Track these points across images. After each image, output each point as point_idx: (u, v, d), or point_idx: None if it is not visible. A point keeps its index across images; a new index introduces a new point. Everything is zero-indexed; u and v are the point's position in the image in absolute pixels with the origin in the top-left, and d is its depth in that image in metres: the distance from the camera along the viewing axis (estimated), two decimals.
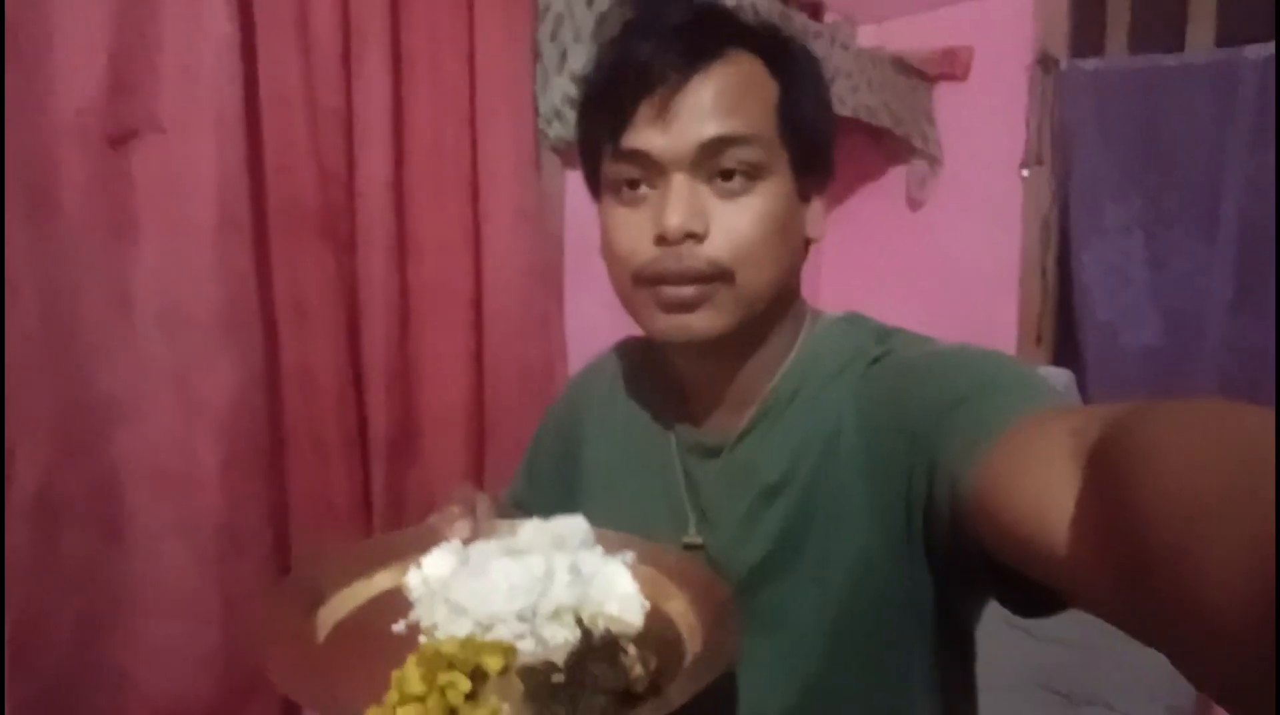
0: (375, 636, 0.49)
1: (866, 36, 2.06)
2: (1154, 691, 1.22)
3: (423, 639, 0.48)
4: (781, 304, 0.59)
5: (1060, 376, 1.82)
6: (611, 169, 0.56)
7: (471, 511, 0.58)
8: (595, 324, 1.65)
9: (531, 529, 0.56)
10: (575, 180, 1.61)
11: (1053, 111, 1.82)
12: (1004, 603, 0.46)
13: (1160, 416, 0.30)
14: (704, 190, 0.54)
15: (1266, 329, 1.57)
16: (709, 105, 0.53)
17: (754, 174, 0.54)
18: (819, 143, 0.59)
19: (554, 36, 1.43)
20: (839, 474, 0.55)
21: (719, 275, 0.54)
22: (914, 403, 0.51)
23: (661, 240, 0.53)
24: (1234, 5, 1.58)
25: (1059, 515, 0.34)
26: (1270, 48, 1.53)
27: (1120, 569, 0.28)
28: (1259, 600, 0.20)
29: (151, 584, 1.00)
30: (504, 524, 0.58)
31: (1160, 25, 1.67)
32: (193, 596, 1.03)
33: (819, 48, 1.61)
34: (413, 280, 1.26)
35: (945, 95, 2.00)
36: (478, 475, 1.37)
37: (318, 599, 0.51)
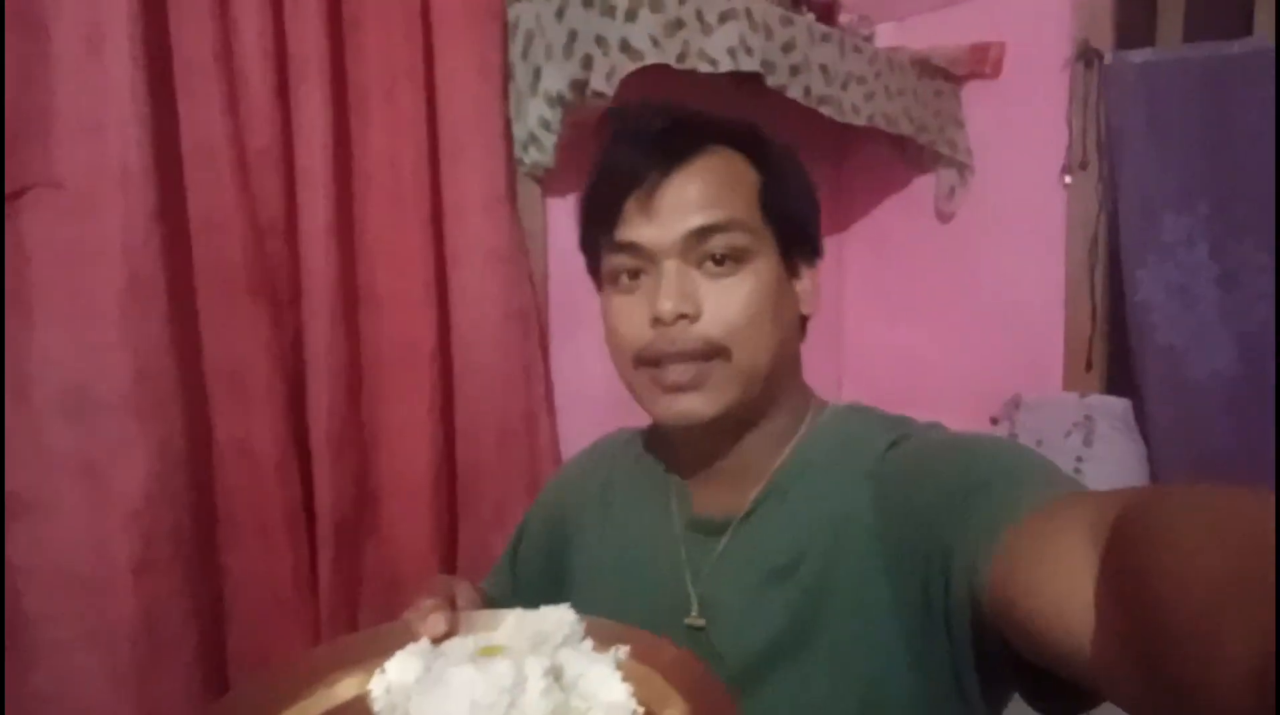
0: None
1: (886, 35, 1.88)
2: None
3: None
4: (780, 381, 0.62)
5: (1116, 406, 1.62)
6: (609, 261, 0.61)
7: (448, 603, 0.53)
8: (587, 368, 1.51)
9: (514, 621, 0.52)
10: (558, 209, 1.46)
11: (1097, 111, 1.61)
12: (1029, 701, 0.46)
13: (1172, 502, 0.31)
14: (695, 274, 0.58)
15: None
16: (692, 197, 0.58)
17: (741, 257, 0.58)
18: (803, 224, 0.63)
19: (525, 55, 1.29)
20: (853, 559, 0.55)
21: (715, 352, 0.57)
22: (930, 490, 0.51)
23: (657, 322, 0.57)
24: None
25: (1078, 605, 0.34)
26: None
27: (1139, 655, 0.28)
28: (1269, 682, 0.21)
29: (56, 701, 0.89)
30: (486, 616, 0.54)
31: (1220, 8, 1.46)
32: (106, 711, 0.91)
33: (827, 53, 1.45)
34: (366, 336, 1.13)
35: (975, 96, 1.81)
36: (450, 546, 1.23)
37: (272, 712, 0.46)
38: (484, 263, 1.24)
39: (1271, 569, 0.23)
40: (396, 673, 0.48)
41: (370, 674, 0.49)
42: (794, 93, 1.38)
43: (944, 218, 1.89)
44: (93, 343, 0.89)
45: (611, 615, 0.57)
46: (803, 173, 0.65)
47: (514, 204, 1.32)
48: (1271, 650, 0.21)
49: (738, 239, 0.58)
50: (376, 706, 0.47)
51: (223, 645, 1.01)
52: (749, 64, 1.28)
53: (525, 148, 1.35)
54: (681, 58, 1.20)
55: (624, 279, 0.60)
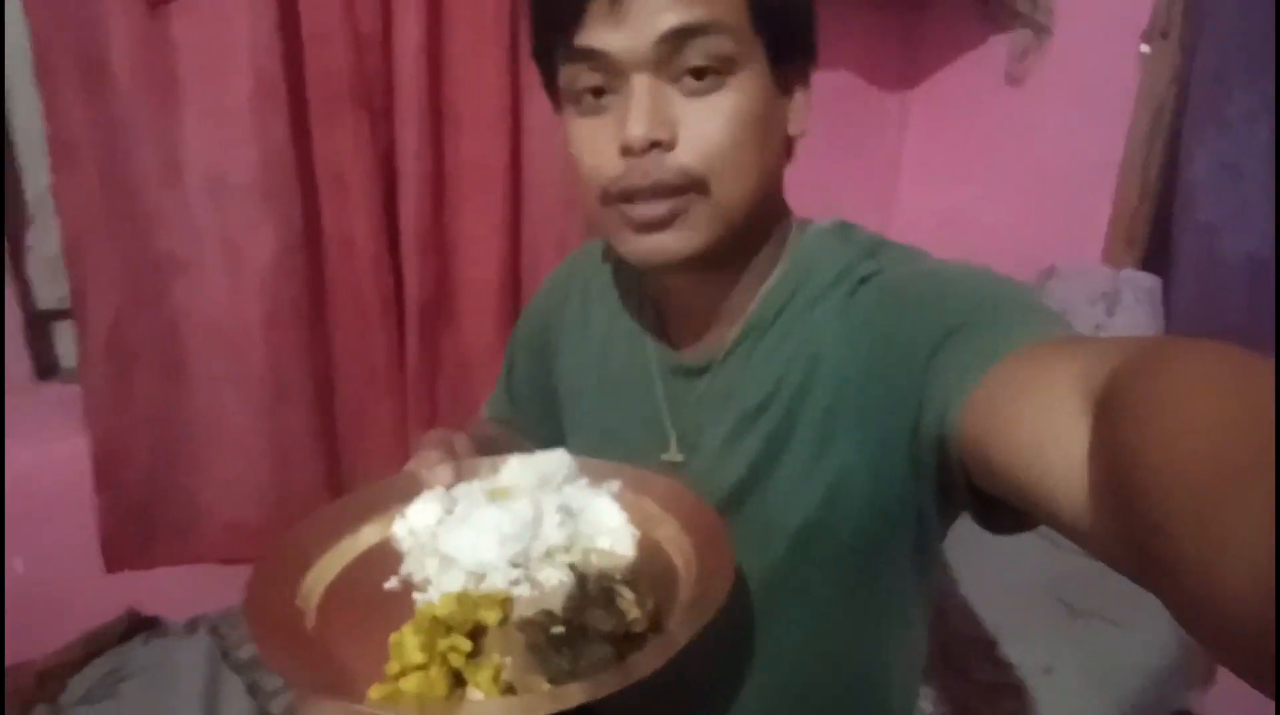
0: (368, 597, 0.48)
1: None
2: (1160, 608, 1.20)
3: (416, 596, 0.47)
4: (763, 214, 0.56)
5: (1145, 281, 1.68)
6: (567, 74, 0.51)
7: (450, 454, 0.56)
8: None
9: (515, 466, 0.55)
10: None
11: None
12: (978, 519, 0.46)
13: (1178, 362, 0.28)
14: (670, 91, 0.49)
15: None
16: None
17: (724, 68, 0.49)
18: (799, 25, 0.53)
19: None
20: (821, 395, 0.53)
21: (692, 186, 0.50)
22: (906, 327, 0.49)
23: (627, 152, 0.49)
24: None
25: (1063, 466, 0.33)
26: None
27: (1131, 528, 0.27)
28: (1270, 570, 0.20)
29: (211, 422, 1.14)
30: (485, 463, 0.57)
31: None
32: (247, 436, 1.16)
33: None
34: (449, 150, 1.28)
35: None
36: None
37: (305, 564, 0.49)
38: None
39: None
40: (417, 517, 0.51)
41: (387, 523, 0.53)
42: None
43: (1014, 80, 1.88)
44: (228, 135, 1.06)
45: (594, 447, 0.62)
46: None
47: None
48: (1273, 538, 0.20)
49: (722, 45, 0.48)
50: (405, 545, 0.51)
51: (331, 400, 1.24)
52: None
53: None
54: None
55: (587, 98, 0.51)
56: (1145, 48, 1.66)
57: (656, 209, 0.50)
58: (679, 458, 0.61)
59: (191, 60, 1.03)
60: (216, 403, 1.13)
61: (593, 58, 0.49)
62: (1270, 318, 1.51)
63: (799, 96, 0.55)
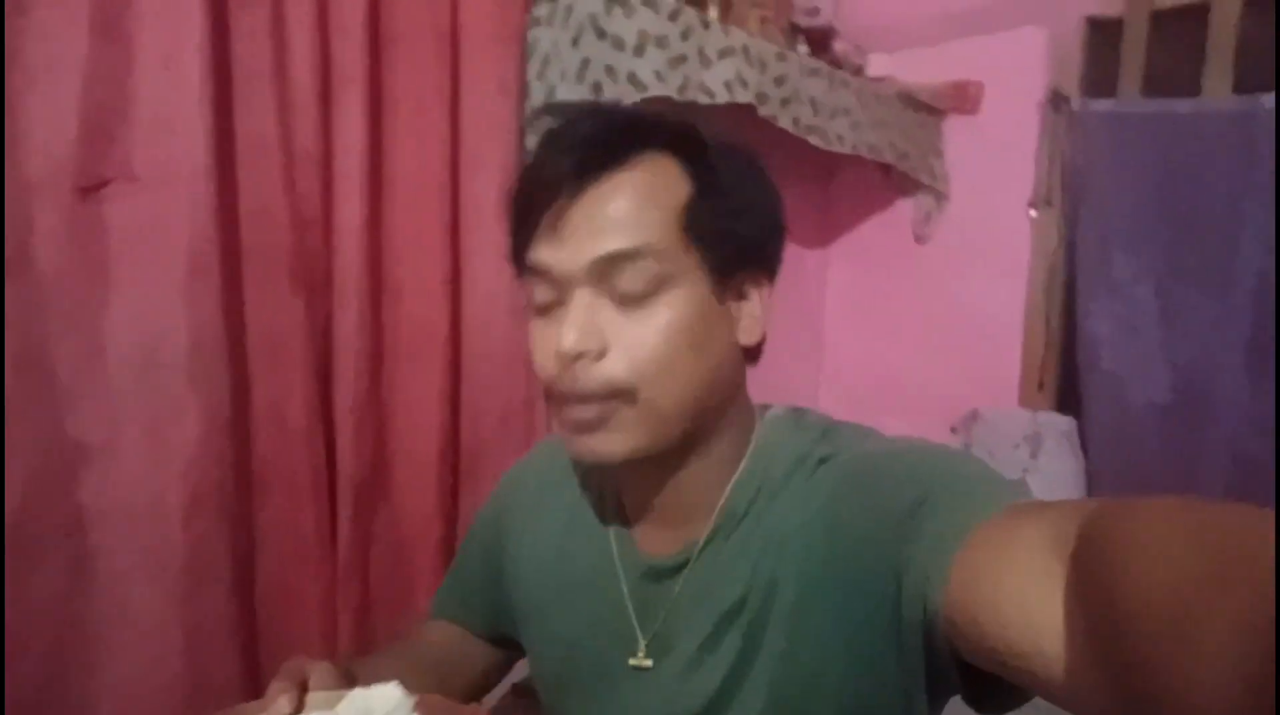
0: None
1: (877, 65, 2.02)
2: None
3: None
4: (714, 414, 0.57)
5: (1062, 423, 1.77)
6: (527, 285, 0.56)
7: (297, 686, 0.56)
8: None
9: (348, 700, 0.55)
10: None
11: (1063, 153, 1.76)
12: (969, 701, 0.46)
13: (1136, 516, 0.30)
14: (605, 304, 0.52)
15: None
16: (603, 219, 0.52)
17: (657, 287, 0.52)
18: (746, 241, 0.56)
19: (541, 76, 1.43)
20: (789, 586, 0.53)
21: (616, 394, 0.52)
22: (870, 507, 0.49)
23: (560, 359, 0.52)
24: (1253, 51, 1.52)
25: (1045, 625, 0.34)
26: None
27: (1113, 673, 0.28)
28: (1254, 683, 0.21)
29: (117, 619, 1.03)
30: (327, 697, 0.57)
31: (1176, 69, 1.60)
32: (156, 631, 1.06)
33: (816, 86, 1.59)
34: (388, 321, 1.27)
35: (954, 129, 1.96)
36: (451, 516, 1.38)
37: None
38: (495, 262, 1.39)
39: (1254, 567, 0.23)
40: None
41: None
42: (784, 123, 1.52)
43: (920, 240, 2.04)
44: (158, 313, 1.03)
45: (558, 657, 0.63)
46: (754, 182, 0.58)
47: None
48: (1261, 645, 0.21)
49: (650, 268, 0.51)
50: None
51: (252, 585, 1.15)
52: (744, 96, 1.42)
53: None
54: (682, 90, 1.34)
55: (541, 302, 0.55)
56: (1034, 212, 1.84)
57: (584, 413, 0.53)
58: (647, 663, 0.59)
59: (123, 242, 1.02)
60: (125, 597, 1.03)
61: (541, 273, 0.54)
62: (1181, 459, 1.61)
63: (753, 302, 0.57)
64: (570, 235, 0.52)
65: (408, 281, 1.29)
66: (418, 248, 1.30)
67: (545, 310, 0.55)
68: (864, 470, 0.53)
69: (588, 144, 0.52)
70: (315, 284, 1.20)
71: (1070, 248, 1.77)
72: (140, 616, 1.05)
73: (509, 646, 0.78)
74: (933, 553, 0.42)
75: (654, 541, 0.61)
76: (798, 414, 0.62)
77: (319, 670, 0.59)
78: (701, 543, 0.58)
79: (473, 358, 1.38)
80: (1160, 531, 0.28)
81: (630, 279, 0.52)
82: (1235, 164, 1.53)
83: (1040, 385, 1.83)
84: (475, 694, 0.77)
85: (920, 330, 2.04)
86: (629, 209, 0.52)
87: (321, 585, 1.21)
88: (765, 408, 0.63)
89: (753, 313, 0.57)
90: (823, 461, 0.55)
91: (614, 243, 0.51)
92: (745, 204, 0.56)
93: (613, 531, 0.63)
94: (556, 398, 0.55)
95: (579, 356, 0.52)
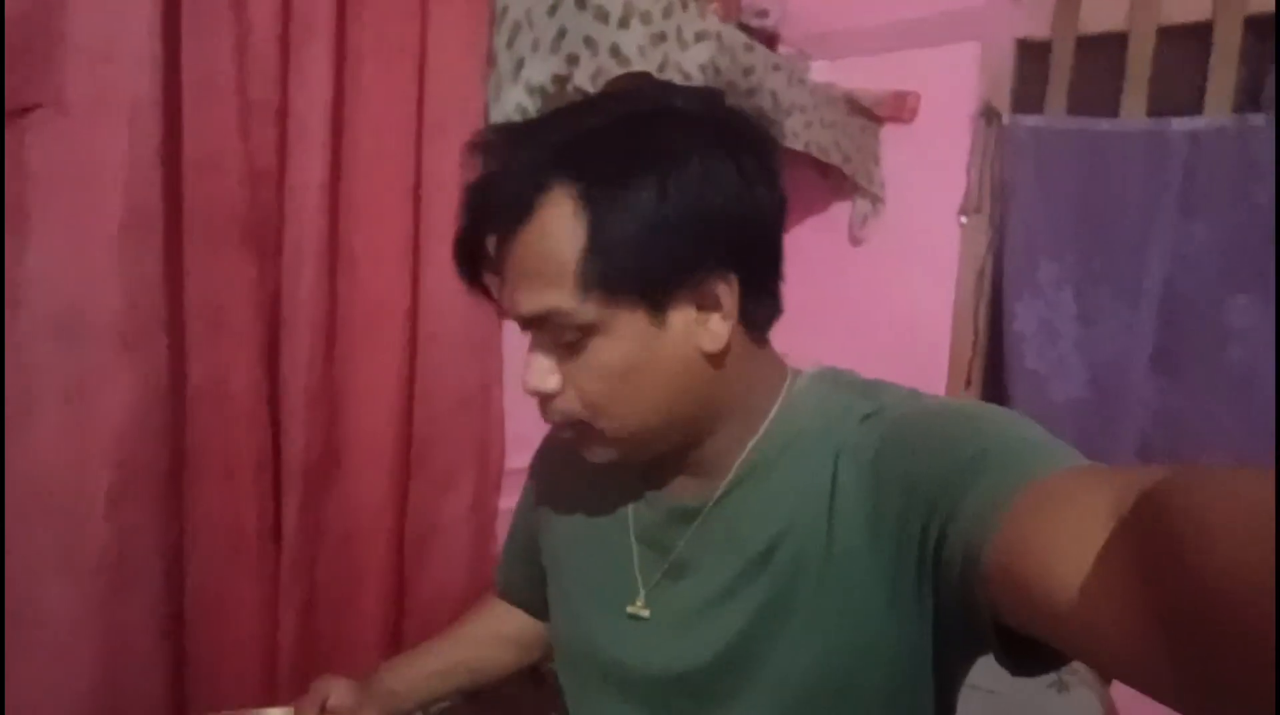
0: None
1: (820, 72, 2.07)
2: None
3: None
4: (703, 412, 0.57)
5: None
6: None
7: (318, 705, 0.63)
8: None
9: None
10: None
11: (993, 163, 1.86)
12: (1001, 660, 0.45)
13: (1206, 485, 0.29)
14: (554, 345, 0.55)
15: (1182, 390, 1.65)
16: (513, 283, 0.54)
17: (585, 333, 0.53)
18: (670, 263, 0.52)
19: (510, 44, 1.36)
20: (835, 534, 0.53)
21: (578, 423, 0.56)
22: (922, 463, 0.49)
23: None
24: (1167, 77, 1.66)
25: (1101, 592, 0.33)
26: (1197, 122, 1.61)
27: (1178, 645, 0.28)
28: None
29: (25, 623, 0.88)
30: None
31: (1098, 89, 1.73)
32: (72, 637, 0.91)
33: (778, 81, 1.60)
34: (343, 293, 1.17)
35: (891, 137, 2.03)
36: (400, 507, 1.28)
37: None
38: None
39: None
40: None
41: None
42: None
43: (855, 242, 2.10)
44: (88, 268, 0.89)
45: (570, 612, 0.65)
46: (681, 188, 0.51)
47: None
48: None
49: (568, 321, 0.52)
50: None
51: (183, 583, 1.02)
52: (716, 81, 1.41)
53: None
54: (661, 68, 1.31)
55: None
56: (964, 219, 1.93)
57: (565, 433, 0.59)
58: (644, 612, 0.60)
59: (50, 181, 0.87)
60: (35, 595, 0.88)
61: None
62: (1095, 451, 1.73)
63: (720, 298, 0.54)
64: (500, 288, 0.56)
65: (365, 251, 1.18)
66: (377, 215, 1.20)
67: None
68: (919, 424, 0.52)
69: (493, 204, 0.54)
70: (266, 246, 1.08)
71: (998, 253, 1.87)
72: (52, 618, 0.90)
73: None
74: (982, 506, 0.42)
75: (671, 488, 0.62)
76: (834, 373, 0.63)
77: (340, 689, 0.65)
78: (720, 491, 0.58)
79: (429, 338, 1.29)
80: (1237, 503, 0.27)
81: (556, 332, 0.54)
82: (1147, 180, 1.67)
83: (967, 382, 1.93)
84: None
85: (852, 329, 2.10)
86: (530, 276, 0.53)
87: (263, 583, 1.09)
88: (797, 372, 0.64)
89: (705, 322, 0.55)
90: (869, 416, 0.55)
91: (526, 307, 0.54)
92: (659, 223, 0.51)
93: (628, 482, 0.64)
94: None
95: (539, 395, 0.56)
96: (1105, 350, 1.74)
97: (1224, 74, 1.59)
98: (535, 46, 1.34)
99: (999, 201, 1.87)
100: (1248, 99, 1.58)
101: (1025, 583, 0.37)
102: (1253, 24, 1.53)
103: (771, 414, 0.59)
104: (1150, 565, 0.30)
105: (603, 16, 1.25)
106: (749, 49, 1.50)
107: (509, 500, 0.99)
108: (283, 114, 1.08)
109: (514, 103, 1.40)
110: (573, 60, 1.30)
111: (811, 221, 2.19)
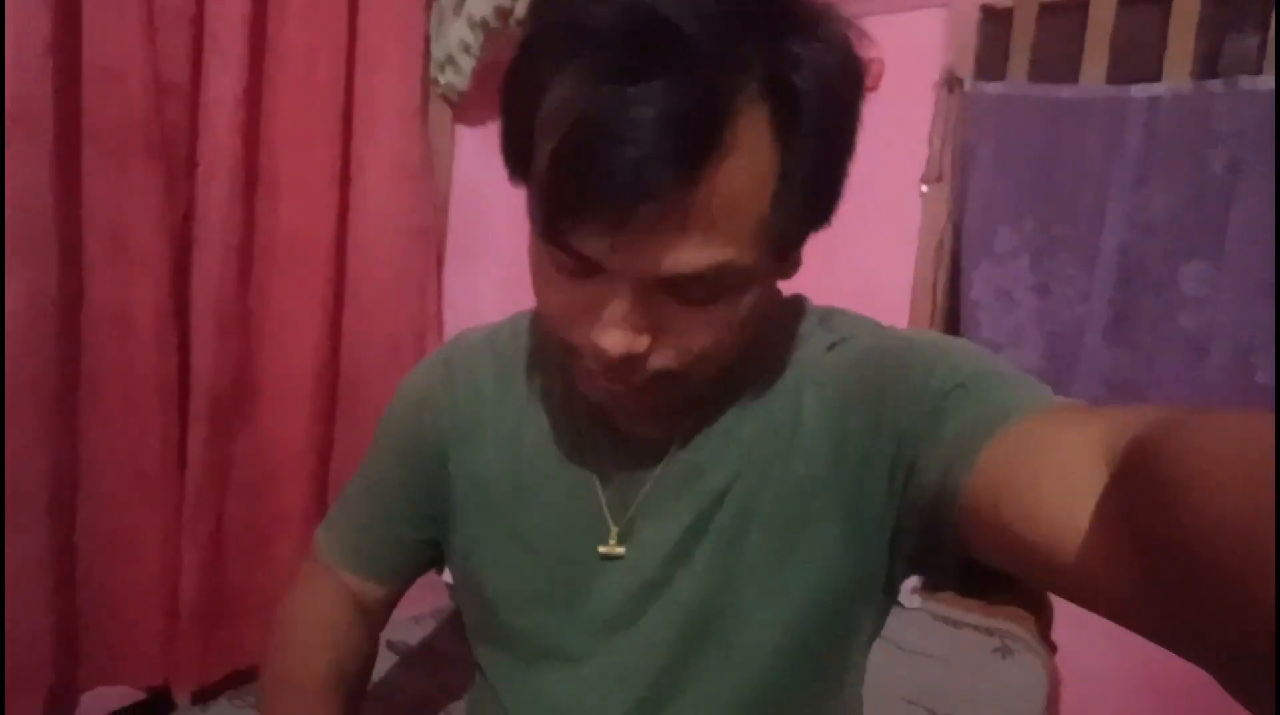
0: None
1: None
2: (1008, 708, 1.21)
3: None
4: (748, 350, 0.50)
5: None
6: (542, 244, 0.42)
7: None
8: (480, 296, 1.54)
9: None
10: (467, 137, 1.48)
11: (955, 131, 1.84)
12: (956, 586, 0.45)
13: (1201, 428, 0.28)
14: (661, 298, 0.42)
15: (1136, 359, 1.63)
16: (679, 231, 0.39)
17: (726, 290, 0.42)
18: (829, 208, 0.47)
19: None
20: (797, 466, 0.50)
21: (665, 377, 0.44)
22: (893, 392, 0.46)
23: (598, 349, 0.42)
24: (1127, 44, 1.64)
25: (1083, 530, 0.32)
26: (1156, 89, 1.59)
27: (1164, 586, 0.28)
28: None
29: None
30: None
31: (1059, 57, 1.71)
32: None
33: None
34: (262, 219, 1.11)
35: None
36: (325, 451, 1.22)
37: None
38: (390, 173, 1.25)
39: None
40: None
41: None
42: None
43: None
44: None
45: (514, 558, 0.55)
46: (850, 113, 0.46)
47: (425, 121, 1.33)
48: None
49: (726, 279, 0.41)
50: None
51: (73, 514, 0.95)
52: None
53: (442, 68, 1.37)
54: None
55: (569, 267, 0.43)
56: (925, 188, 1.91)
57: (625, 400, 0.47)
58: (619, 550, 0.54)
59: None
60: None
61: (577, 255, 0.41)
62: None
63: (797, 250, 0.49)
64: (636, 240, 0.39)
65: (287, 176, 1.13)
66: (302, 140, 1.14)
67: (574, 272, 0.43)
68: (889, 353, 0.49)
69: (671, 120, 0.36)
70: (175, 163, 1.02)
71: (957, 223, 1.85)
72: None
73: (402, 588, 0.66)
74: (961, 439, 0.40)
75: (638, 424, 0.54)
76: (793, 300, 0.59)
77: None
78: (688, 424, 0.53)
79: (358, 278, 1.24)
80: (1234, 446, 0.26)
81: (700, 289, 0.42)
82: (1105, 147, 1.64)
83: None
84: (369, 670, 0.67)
85: (812, 295, 2.06)
86: (714, 220, 0.39)
87: (162, 518, 1.03)
88: None
89: (797, 256, 0.50)
90: (834, 346, 0.52)
91: (691, 262, 0.40)
92: (836, 157, 0.45)
93: (586, 415, 0.56)
94: (584, 370, 0.46)
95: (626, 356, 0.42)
96: (1060, 318, 1.72)
97: (1183, 41, 1.58)
98: None
99: (960, 170, 1.84)
100: (1206, 66, 1.57)
101: (1007, 519, 0.36)
102: None
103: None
104: (1143, 510, 0.29)
105: None
106: None
107: None
108: (196, 21, 1.02)
109: (456, 38, 1.35)
110: None
111: None
